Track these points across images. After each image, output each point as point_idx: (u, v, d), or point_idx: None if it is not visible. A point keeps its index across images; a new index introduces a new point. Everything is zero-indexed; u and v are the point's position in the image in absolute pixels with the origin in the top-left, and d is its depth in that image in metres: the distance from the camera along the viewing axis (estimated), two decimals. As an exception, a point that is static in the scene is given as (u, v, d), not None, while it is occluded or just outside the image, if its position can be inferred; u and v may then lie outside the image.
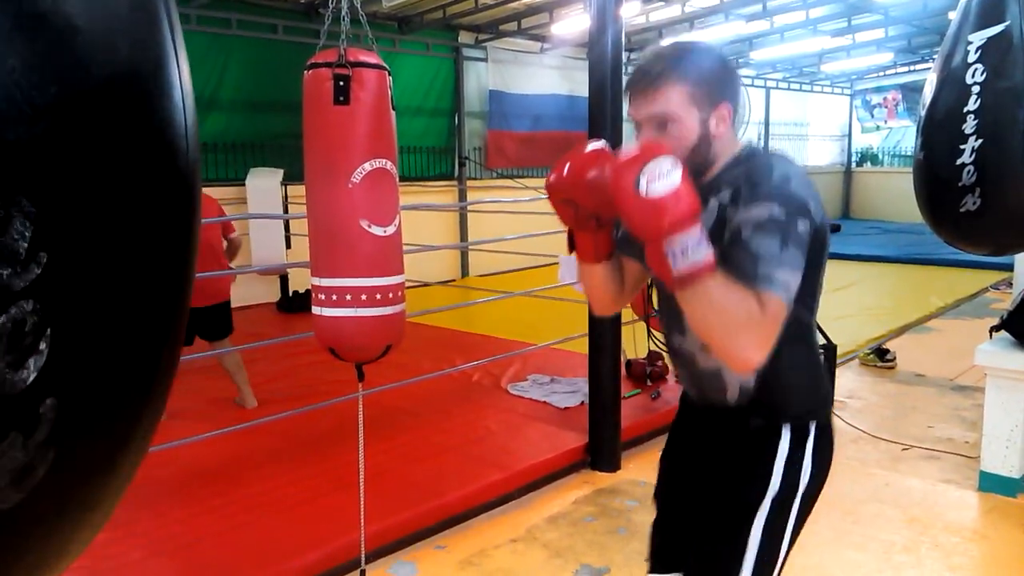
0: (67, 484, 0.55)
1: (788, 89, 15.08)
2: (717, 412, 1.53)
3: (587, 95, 3.68)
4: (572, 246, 1.49)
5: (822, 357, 1.55)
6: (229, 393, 4.44)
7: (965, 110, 2.63)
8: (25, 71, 0.47)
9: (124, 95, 0.54)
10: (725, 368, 1.45)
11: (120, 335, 0.55)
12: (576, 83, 10.44)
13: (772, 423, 1.47)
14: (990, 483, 3.44)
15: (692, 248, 1.18)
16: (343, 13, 2.36)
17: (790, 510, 1.47)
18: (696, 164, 1.37)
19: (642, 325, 4.60)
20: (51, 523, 0.55)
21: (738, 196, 1.33)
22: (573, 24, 8.96)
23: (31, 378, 0.48)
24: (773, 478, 1.45)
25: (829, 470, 1.53)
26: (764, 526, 1.46)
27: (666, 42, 1.43)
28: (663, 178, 1.17)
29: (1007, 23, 2.61)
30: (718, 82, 1.39)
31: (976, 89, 2.62)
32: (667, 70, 1.37)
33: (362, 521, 2.48)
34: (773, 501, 1.46)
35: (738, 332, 1.21)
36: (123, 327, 0.56)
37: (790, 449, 1.46)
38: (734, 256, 1.27)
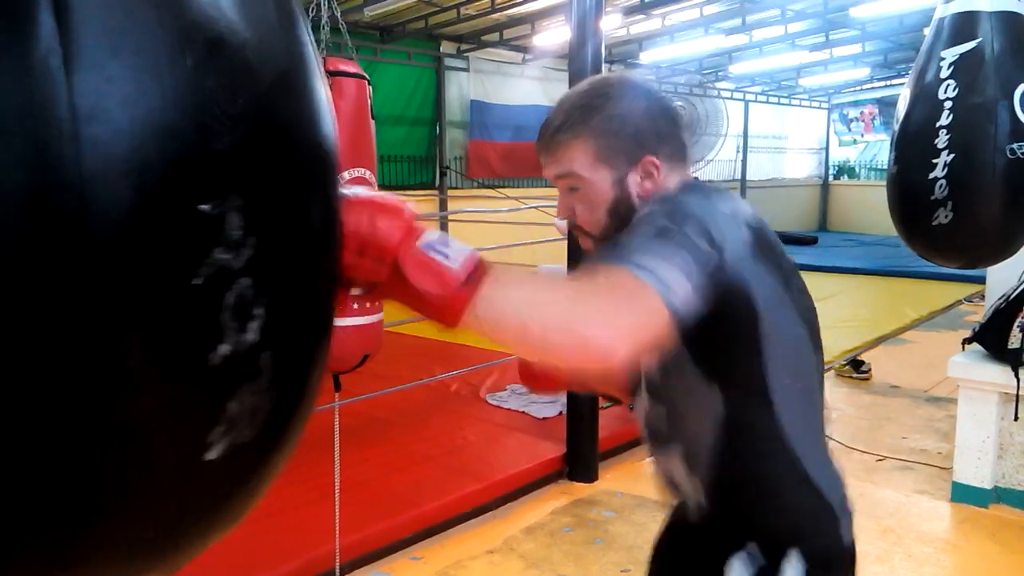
0: (283, 420, 0.71)
1: (767, 103, 15.24)
2: (685, 523, 1.21)
3: (567, 106, 3.71)
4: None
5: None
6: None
7: (937, 125, 2.67)
8: (218, 88, 0.59)
9: (285, 97, 0.67)
10: (677, 466, 1.14)
11: (307, 298, 0.71)
12: (558, 94, 10.37)
13: (732, 536, 1.10)
14: (962, 494, 3.48)
15: (444, 243, 0.82)
16: (323, 22, 2.36)
17: None
18: (615, 230, 1.10)
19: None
20: (271, 453, 0.72)
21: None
22: (555, 36, 9.01)
23: (253, 339, 0.61)
24: None
25: None
26: None
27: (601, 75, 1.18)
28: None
29: (979, 40, 2.66)
30: (637, 132, 1.11)
31: (948, 104, 2.66)
32: (567, 123, 1.12)
33: (336, 532, 2.46)
34: None
35: (571, 314, 0.84)
36: (309, 291, 0.71)
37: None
38: None
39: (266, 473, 0.74)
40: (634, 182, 1.11)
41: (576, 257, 3.73)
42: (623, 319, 0.85)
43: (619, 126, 1.11)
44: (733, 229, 1.01)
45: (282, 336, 0.65)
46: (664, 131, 1.13)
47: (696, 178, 1.20)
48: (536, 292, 0.87)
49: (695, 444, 1.11)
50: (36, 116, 0.51)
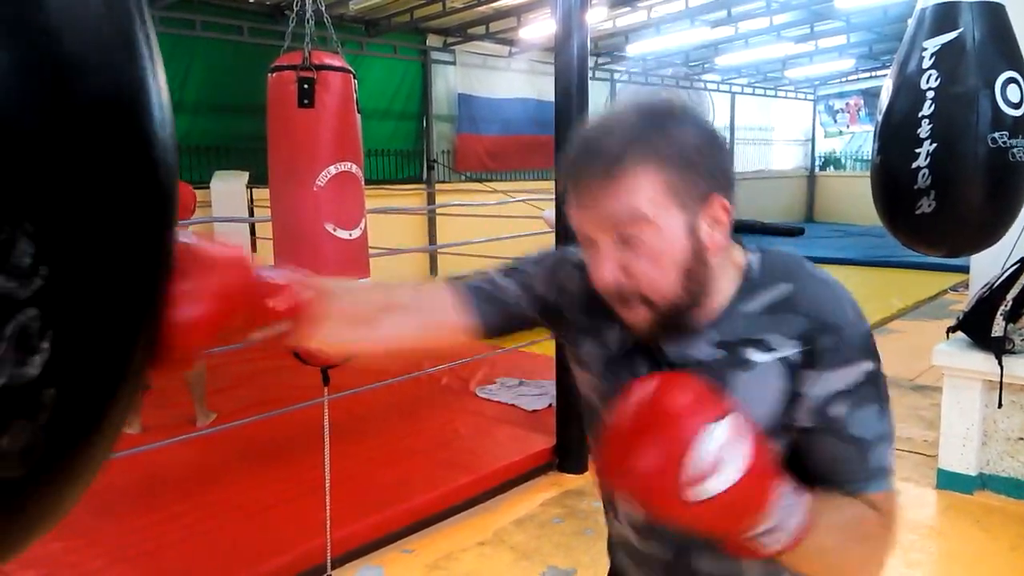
0: (61, 459, 0.66)
1: (753, 94, 15.27)
2: None
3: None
4: None
5: None
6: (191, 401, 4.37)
7: (920, 115, 2.69)
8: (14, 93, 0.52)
9: (107, 116, 0.60)
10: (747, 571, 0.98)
11: (107, 332, 0.65)
12: (545, 87, 10.47)
13: None
14: (947, 481, 3.52)
15: (783, 524, 0.78)
16: (308, 15, 2.35)
17: None
18: (687, 297, 0.87)
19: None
20: (46, 490, 0.67)
21: (814, 353, 0.88)
22: (541, 28, 9.00)
23: (35, 373, 0.57)
24: None
25: None
26: None
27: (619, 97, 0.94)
28: (725, 462, 0.72)
29: (960, 30, 2.68)
30: (706, 163, 0.84)
31: (930, 94, 2.68)
32: (631, 145, 0.82)
33: (327, 525, 2.47)
34: None
35: (864, 567, 0.89)
36: (111, 326, 0.65)
37: None
38: (827, 448, 0.89)
39: (36, 513, 0.68)
40: (704, 231, 0.85)
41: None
42: (890, 553, 0.90)
43: (692, 152, 0.84)
44: None
45: (71, 375, 0.61)
46: (727, 165, 0.89)
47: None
48: (836, 553, 0.85)
49: None
50: None
